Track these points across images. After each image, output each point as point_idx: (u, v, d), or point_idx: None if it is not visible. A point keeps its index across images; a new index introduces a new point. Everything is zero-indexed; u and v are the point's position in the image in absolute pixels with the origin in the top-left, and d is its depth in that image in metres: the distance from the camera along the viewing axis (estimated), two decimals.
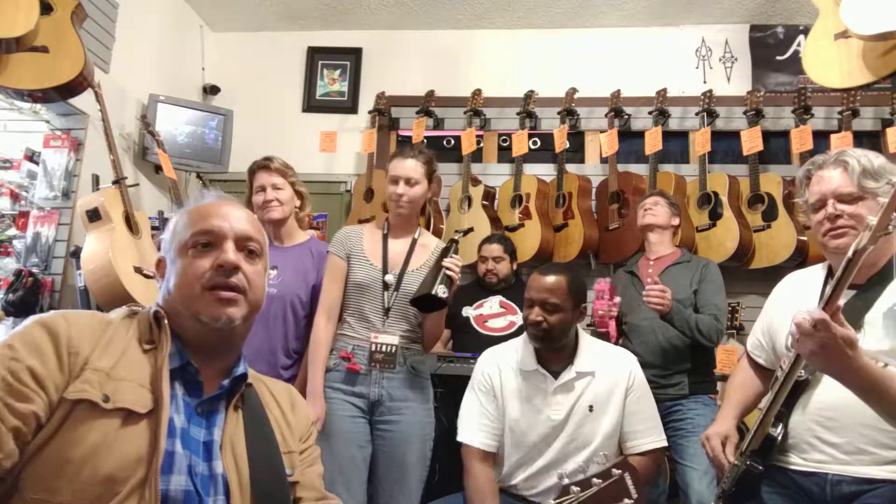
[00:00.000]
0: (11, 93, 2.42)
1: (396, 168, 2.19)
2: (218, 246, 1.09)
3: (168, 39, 3.79)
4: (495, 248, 3.12)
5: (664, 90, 3.56)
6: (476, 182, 3.62)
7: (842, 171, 1.49)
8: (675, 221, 2.73)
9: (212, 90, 4.07)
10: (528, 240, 3.41)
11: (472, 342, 2.89)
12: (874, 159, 1.47)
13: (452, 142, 3.94)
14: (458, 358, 2.74)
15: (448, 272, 2.03)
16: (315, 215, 3.85)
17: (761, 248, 3.20)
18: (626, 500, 1.26)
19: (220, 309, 1.05)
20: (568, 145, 3.65)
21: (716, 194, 3.28)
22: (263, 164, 2.38)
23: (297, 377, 2.23)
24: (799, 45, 3.70)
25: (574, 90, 3.64)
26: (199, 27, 4.09)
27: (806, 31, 3.39)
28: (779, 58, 3.76)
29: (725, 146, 3.64)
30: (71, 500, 0.87)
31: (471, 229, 3.39)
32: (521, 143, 3.58)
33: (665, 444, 2.00)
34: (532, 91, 3.67)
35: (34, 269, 2.82)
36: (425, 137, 3.77)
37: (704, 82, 3.76)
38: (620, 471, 1.28)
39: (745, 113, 3.40)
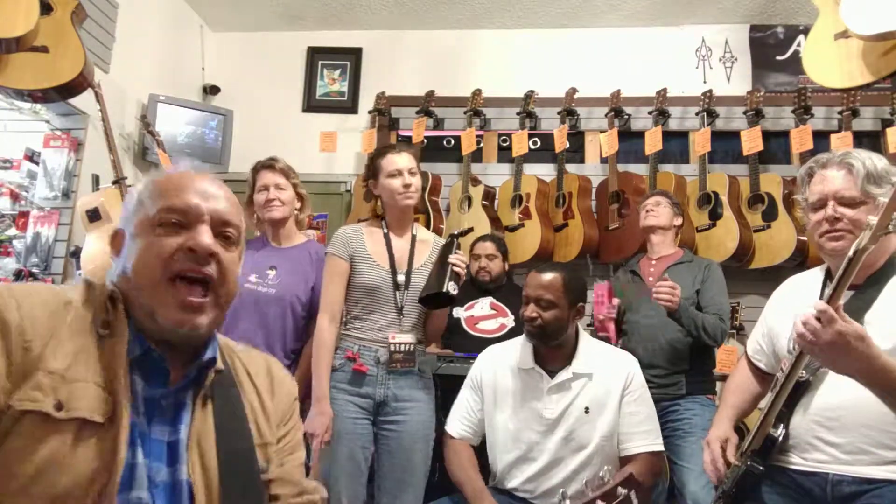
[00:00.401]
0: (11, 93, 2.42)
1: (394, 163, 2.19)
2: (190, 227, 0.93)
3: (168, 39, 3.79)
4: (488, 246, 3.12)
5: (664, 90, 3.56)
6: (476, 182, 3.62)
7: (846, 174, 1.47)
8: (678, 221, 2.73)
9: (212, 90, 4.08)
10: (528, 240, 3.41)
11: (463, 344, 2.88)
12: (878, 162, 1.46)
13: (452, 142, 3.94)
14: (458, 358, 2.74)
15: (455, 268, 2.06)
16: (315, 215, 3.85)
17: (761, 248, 3.20)
18: None
19: (183, 316, 0.90)
20: (568, 145, 3.65)
21: (716, 194, 3.28)
22: (268, 164, 2.39)
23: (296, 375, 2.24)
24: (799, 45, 3.70)
25: (574, 90, 3.64)
26: (199, 27, 4.09)
27: (806, 31, 3.39)
28: (779, 58, 3.76)
29: (725, 146, 3.64)
30: None
31: (471, 229, 3.40)
32: (521, 143, 3.58)
33: (661, 448, 1.99)
34: (532, 91, 3.67)
35: (34, 270, 2.82)
36: (425, 137, 3.77)
37: (704, 82, 3.76)
38: (626, 490, 1.19)
39: (745, 113, 3.40)
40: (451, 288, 2.04)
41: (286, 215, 2.37)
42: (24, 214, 2.94)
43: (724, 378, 2.78)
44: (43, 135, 2.99)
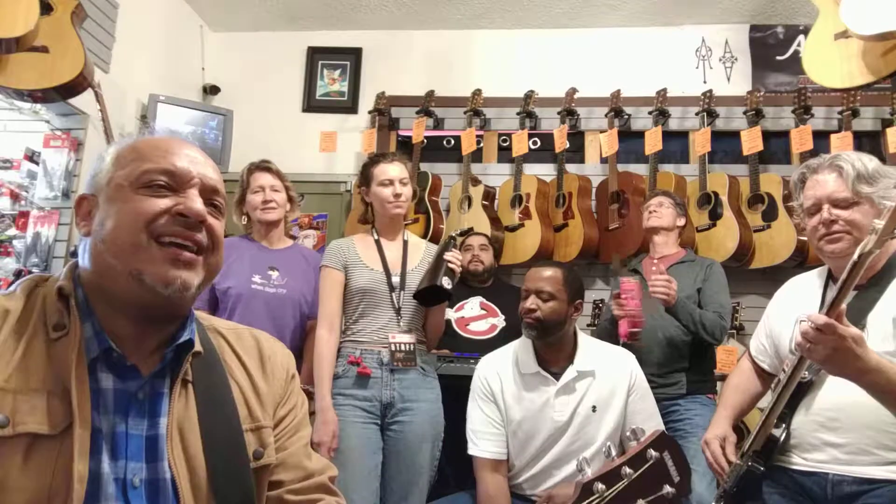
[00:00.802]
0: (11, 93, 2.42)
1: (386, 172, 2.23)
2: (178, 191, 0.86)
3: (168, 39, 3.79)
4: (481, 237, 3.19)
5: (664, 90, 3.56)
6: (476, 182, 3.62)
7: (836, 176, 1.48)
8: (681, 222, 2.72)
9: (212, 90, 4.07)
10: (528, 240, 3.41)
11: (455, 345, 2.88)
12: (868, 163, 1.47)
13: (452, 142, 3.94)
14: (458, 358, 2.74)
15: (450, 265, 2.10)
16: (315, 215, 3.86)
17: (761, 248, 3.20)
18: (667, 489, 0.99)
19: (174, 271, 0.82)
20: (568, 145, 3.65)
21: (716, 194, 3.28)
22: (265, 166, 2.43)
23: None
24: (799, 45, 3.70)
25: (574, 90, 3.64)
26: (199, 27, 4.08)
27: (806, 31, 3.39)
28: (779, 58, 3.76)
29: (725, 146, 3.64)
30: None
31: (471, 229, 3.40)
32: (521, 143, 3.58)
33: None
34: (532, 91, 3.67)
35: (34, 269, 2.82)
36: (425, 137, 3.77)
37: (704, 82, 3.76)
38: (658, 452, 1.00)
39: (745, 113, 3.39)
40: (446, 282, 2.07)
41: (280, 217, 2.42)
42: (24, 214, 2.94)
43: (723, 378, 2.79)
44: (43, 135, 2.99)
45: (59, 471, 0.74)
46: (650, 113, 3.57)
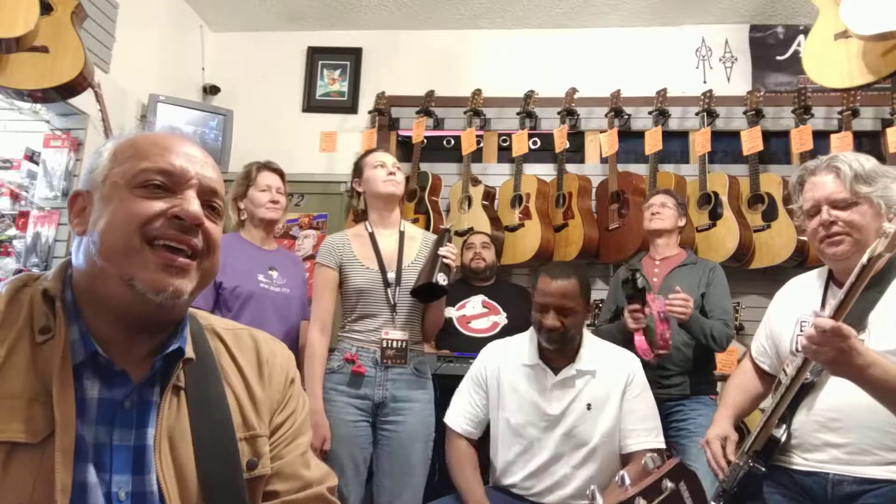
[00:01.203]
0: (11, 93, 2.42)
1: (378, 157, 2.26)
2: (176, 192, 0.82)
3: (168, 39, 3.79)
4: (482, 236, 3.22)
5: (664, 90, 3.56)
6: (476, 182, 3.62)
7: (834, 177, 1.49)
8: (682, 223, 2.71)
9: (212, 90, 4.07)
10: (528, 240, 3.41)
11: (456, 344, 2.89)
12: (865, 163, 1.48)
13: (452, 142, 3.94)
14: (458, 358, 2.74)
15: (445, 260, 2.09)
16: (315, 215, 3.86)
17: (761, 248, 3.20)
18: None
19: (166, 278, 0.79)
20: (568, 145, 3.64)
21: (716, 194, 3.28)
22: (274, 167, 2.46)
23: None
24: (799, 45, 3.70)
25: (574, 90, 3.64)
26: (199, 27, 4.08)
27: (806, 31, 3.39)
28: (779, 58, 3.76)
29: (725, 146, 3.64)
30: None
31: (471, 229, 3.40)
32: (521, 143, 3.58)
33: (662, 445, 1.99)
34: (532, 91, 3.67)
35: (34, 270, 2.82)
36: (425, 137, 3.77)
37: (704, 82, 3.76)
38: (674, 483, 0.93)
39: (745, 113, 3.39)
40: (441, 279, 2.06)
41: (279, 218, 2.44)
42: (24, 214, 2.94)
43: (724, 378, 2.79)
44: (43, 135, 2.99)
45: (41, 481, 0.70)
46: (650, 113, 3.56)
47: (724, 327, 2.42)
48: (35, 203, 2.95)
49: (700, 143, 3.39)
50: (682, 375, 2.47)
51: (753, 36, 3.81)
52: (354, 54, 4.10)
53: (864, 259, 1.22)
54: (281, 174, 2.46)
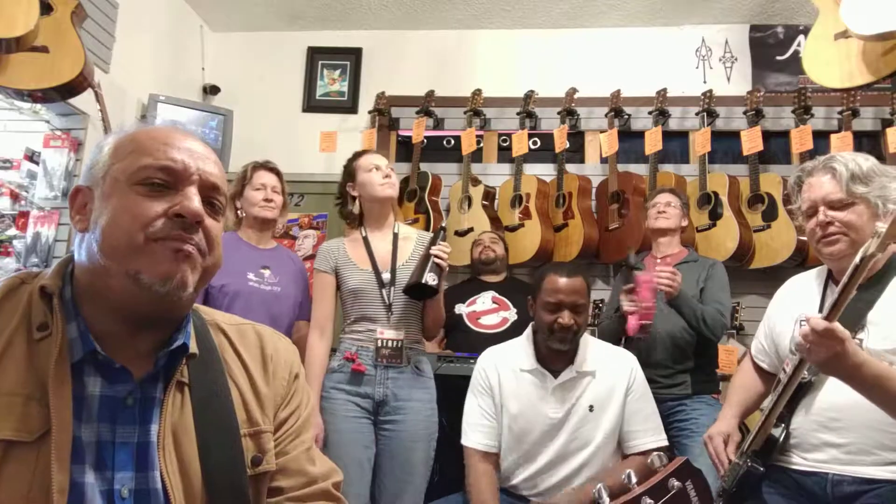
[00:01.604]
0: (11, 93, 2.42)
1: (371, 160, 2.27)
2: (176, 189, 0.81)
3: (168, 39, 3.79)
4: (491, 233, 3.23)
5: (664, 90, 3.56)
6: (476, 182, 3.62)
7: (830, 178, 1.49)
8: (685, 222, 2.72)
9: (212, 90, 4.07)
10: (528, 240, 3.41)
11: (466, 340, 2.89)
12: (863, 163, 1.48)
13: (452, 142, 3.94)
14: (458, 358, 2.74)
15: (436, 260, 2.09)
16: (315, 215, 3.87)
17: (761, 248, 3.20)
18: None
19: (174, 264, 0.78)
20: (568, 145, 3.65)
21: (716, 194, 3.28)
22: (270, 166, 2.46)
23: None
24: (799, 45, 3.70)
25: (574, 90, 3.64)
26: (199, 27, 4.08)
27: (806, 31, 3.38)
28: (779, 58, 3.76)
29: (725, 146, 3.64)
30: None
31: (471, 229, 3.40)
32: (521, 143, 3.58)
33: (666, 443, 2.00)
34: (532, 91, 3.67)
35: (34, 270, 2.81)
36: (425, 137, 3.77)
37: (704, 82, 3.76)
38: (680, 482, 0.92)
39: (745, 113, 3.39)
40: (431, 279, 2.06)
41: (275, 217, 2.44)
42: (24, 214, 2.94)
43: (724, 378, 2.79)
44: (43, 135, 2.99)
45: (37, 481, 0.70)
46: (650, 113, 3.57)
47: (718, 314, 2.40)
48: (35, 203, 2.95)
49: (700, 143, 3.39)
50: (684, 374, 2.47)
51: (753, 36, 3.81)
52: (354, 54, 4.10)
53: (857, 259, 1.22)
54: (278, 173, 2.46)
